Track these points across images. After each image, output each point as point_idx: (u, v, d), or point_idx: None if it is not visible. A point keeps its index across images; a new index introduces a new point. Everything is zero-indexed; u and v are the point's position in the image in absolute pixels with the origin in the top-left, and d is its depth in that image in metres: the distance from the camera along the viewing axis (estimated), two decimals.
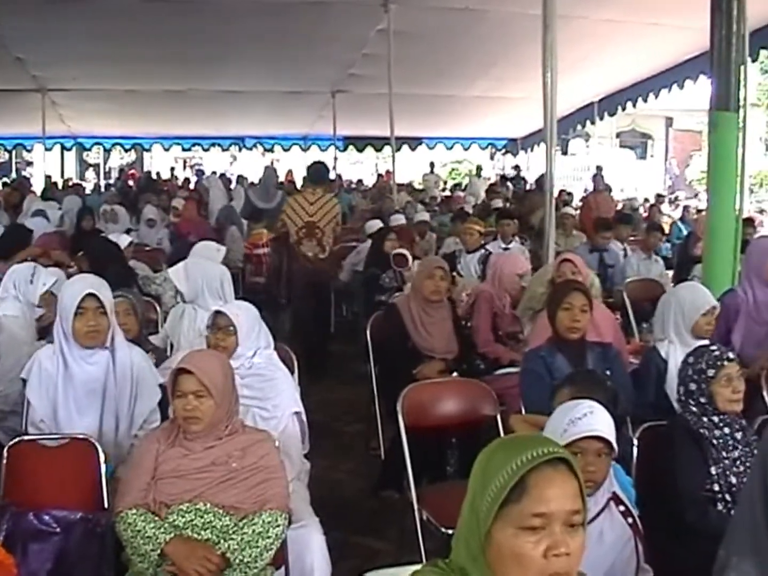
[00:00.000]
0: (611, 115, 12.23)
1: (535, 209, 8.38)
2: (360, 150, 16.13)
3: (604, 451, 2.24)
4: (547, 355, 3.36)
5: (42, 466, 2.73)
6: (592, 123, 12.64)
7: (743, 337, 4.07)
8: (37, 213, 7.52)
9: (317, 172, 6.67)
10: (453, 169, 25.20)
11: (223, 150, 16.75)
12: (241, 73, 10.22)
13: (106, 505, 2.69)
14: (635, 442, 2.90)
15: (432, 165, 17.46)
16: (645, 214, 12.37)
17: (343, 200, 12.72)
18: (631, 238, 7.85)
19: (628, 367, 3.74)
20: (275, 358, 3.27)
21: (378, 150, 15.87)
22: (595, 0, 7.36)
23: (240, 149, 16.86)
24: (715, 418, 2.80)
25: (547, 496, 1.34)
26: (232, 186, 13.75)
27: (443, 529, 2.92)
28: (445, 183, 20.46)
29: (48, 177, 13.61)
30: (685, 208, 11.86)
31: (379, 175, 18.57)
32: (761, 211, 15.79)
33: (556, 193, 6.57)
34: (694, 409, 2.84)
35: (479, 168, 17.71)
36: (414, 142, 15.23)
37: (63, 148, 15.84)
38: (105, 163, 25.36)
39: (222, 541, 2.38)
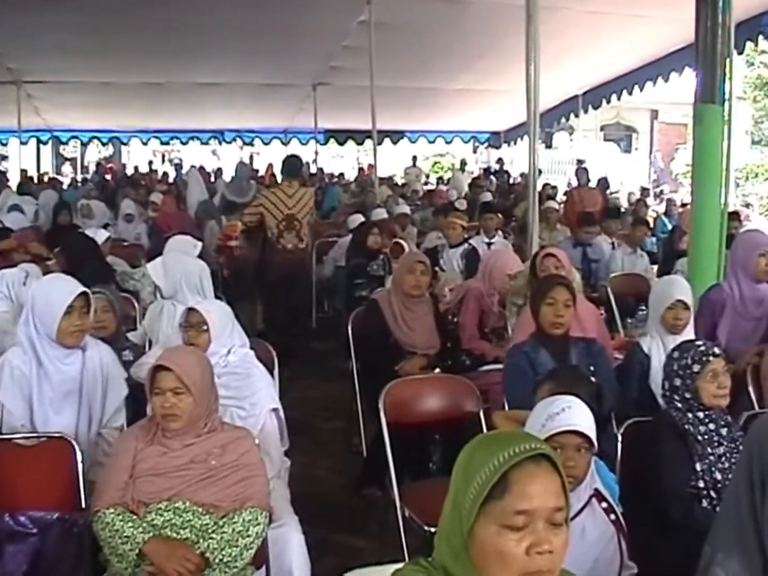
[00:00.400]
0: (595, 107, 12.24)
1: (520, 203, 8.37)
2: (341, 143, 16.01)
3: (584, 446, 2.22)
4: (530, 350, 3.34)
5: (18, 466, 2.68)
6: (576, 116, 12.64)
7: (729, 333, 4.05)
8: (12, 208, 7.42)
9: (292, 166, 6.74)
10: (435, 163, 25.16)
11: (202, 143, 16.59)
12: (221, 66, 10.13)
13: (83, 505, 2.65)
14: (619, 438, 2.88)
15: (414, 158, 17.41)
16: (626, 206, 12.30)
17: (333, 195, 12.69)
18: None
19: (612, 363, 3.73)
20: (251, 356, 3.23)
21: (359, 143, 15.80)
22: None
23: (219, 143, 16.71)
24: (701, 414, 2.78)
25: (529, 492, 1.33)
26: (212, 180, 13.66)
27: (426, 527, 2.90)
28: (428, 177, 20.41)
29: (24, 171, 13.38)
30: (669, 201, 11.79)
31: (360, 169, 18.50)
32: (747, 205, 15.82)
33: (539, 187, 6.54)
34: (679, 404, 2.83)
35: (463, 162, 17.63)
36: (396, 136, 15.17)
37: (39, 141, 15.63)
38: (82, 157, 25.02)
39: (201, 540, 2.35)
